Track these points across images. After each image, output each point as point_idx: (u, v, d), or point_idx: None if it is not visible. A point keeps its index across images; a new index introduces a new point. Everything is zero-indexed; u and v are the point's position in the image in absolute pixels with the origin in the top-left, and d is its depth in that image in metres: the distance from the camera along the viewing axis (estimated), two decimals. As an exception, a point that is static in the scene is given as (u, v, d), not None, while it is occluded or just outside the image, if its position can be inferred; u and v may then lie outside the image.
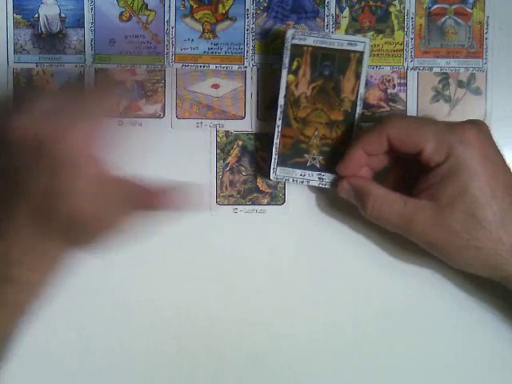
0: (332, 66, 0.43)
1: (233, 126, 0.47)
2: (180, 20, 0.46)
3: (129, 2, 0.46)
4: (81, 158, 0.36)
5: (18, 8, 0.45)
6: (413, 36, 0.47)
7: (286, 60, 0.43)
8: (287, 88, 0.43)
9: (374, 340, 0.47)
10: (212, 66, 0.46)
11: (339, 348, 0.47)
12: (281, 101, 0.43)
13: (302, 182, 0.44)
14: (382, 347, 0.47)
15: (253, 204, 0.47)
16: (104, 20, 0.46)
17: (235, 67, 0.46)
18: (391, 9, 0.47)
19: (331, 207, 0.46)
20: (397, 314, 0.47)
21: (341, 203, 0.45)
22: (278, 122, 0.43)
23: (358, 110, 0.43)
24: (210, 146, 0.47)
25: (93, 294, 0.46)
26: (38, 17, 0.46)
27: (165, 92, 0.46)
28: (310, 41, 0.43)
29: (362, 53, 0.43)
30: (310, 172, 0.44)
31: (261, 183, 0.47)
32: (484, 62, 0.47)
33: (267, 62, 0.46)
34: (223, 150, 0.47)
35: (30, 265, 0.38)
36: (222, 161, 0.47)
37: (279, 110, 0.43)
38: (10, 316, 0.38)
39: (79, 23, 0.46)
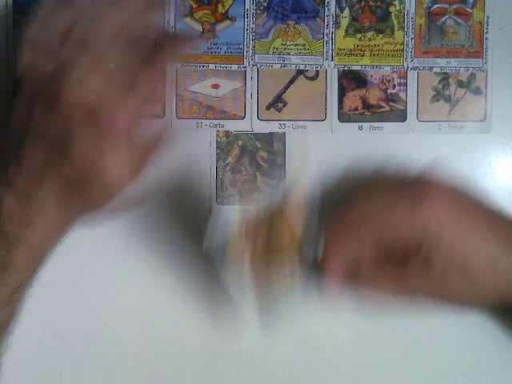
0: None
1: (233, 126, 0.47)
2: (180, 20, 0.46)
3: (129, 2, 0.46)
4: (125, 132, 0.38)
5: (17, 8, 0.45)
6: (413, 36, 0.47)
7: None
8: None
9: (374, 340, 0.47)
10: (212, 66, 0.46)
11: (339, 348, 0.47)
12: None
13: None
14: (382, 349, 0.47)
15: (253, 204, 0.47)
16: (104, 20, 0.46)
17: (235, 67, 0.46)
18: (391, 9, 0.47)
19: (331, 207, 0.46)
20: (397, 315, 0.47)
21: (341, 203, 0.45)
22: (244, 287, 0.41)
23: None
24: (210, 146, 0.47)
25: (88, 294, 0.46)
26: (38, 17, 0.46)
27: (165, 92, 0.46)
28: None
29: None
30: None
31: (261, 183, 0.47)
32: (484, 61, 0.47)
33: (267, 61, 0.46)
34: (223, 150, 0.47)
35: (25, 219, 0.37)
36: (221, 161, 0.47)
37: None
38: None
39: (79, 23, 0.46)
